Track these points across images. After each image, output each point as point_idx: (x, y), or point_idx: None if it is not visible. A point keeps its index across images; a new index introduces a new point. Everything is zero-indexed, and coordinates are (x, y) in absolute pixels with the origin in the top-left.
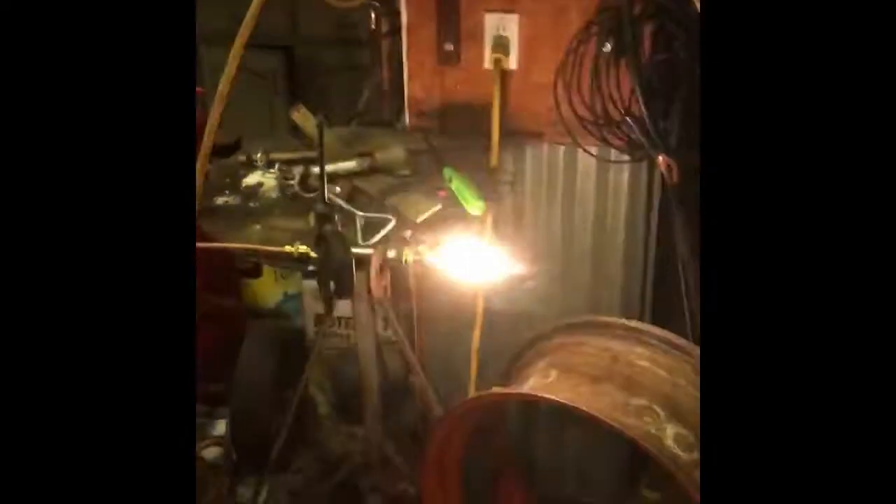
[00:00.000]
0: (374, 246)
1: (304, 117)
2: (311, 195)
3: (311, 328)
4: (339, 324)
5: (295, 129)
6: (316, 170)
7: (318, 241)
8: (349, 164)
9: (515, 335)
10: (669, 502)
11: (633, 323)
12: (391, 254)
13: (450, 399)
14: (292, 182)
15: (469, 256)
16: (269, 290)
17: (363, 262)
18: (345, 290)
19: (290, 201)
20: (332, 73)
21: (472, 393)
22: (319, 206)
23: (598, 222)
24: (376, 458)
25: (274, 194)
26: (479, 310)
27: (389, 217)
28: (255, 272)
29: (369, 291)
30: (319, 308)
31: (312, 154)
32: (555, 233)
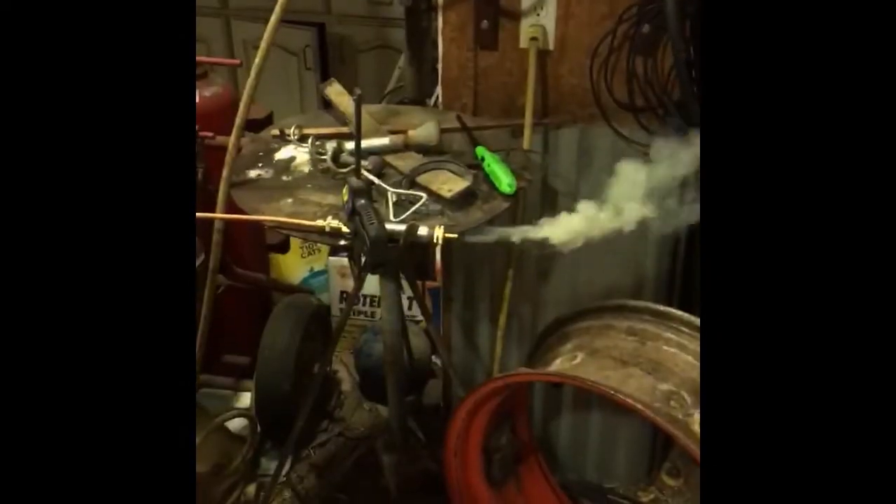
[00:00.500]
0: (405, 222)
1: (337, 93)
2: (345, 171)
3: (336, 305)
4: (365, 301)
5: (327, 105)
6: (349, 145)
7: (352, 215)
8: (382, 141)
9: (541, 318)
10: (690, 489)
11: (662, 307)
12: (422, 231)
13: (474, 380)
14: (325, 157)
15: (496, 236)
16: (295, 265)
17: (395, 237)
18: (378, 264)
19: (323, 176)
20: (363, 50)
21: (496, 374)
22: (353, 182)
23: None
24: (399, 436)
25: (306, 169)
26: (506, 291)
27: (420, 194)
28: (283, 247)
29: (399, 268)
30: (345, 285)
31: (345, 130)
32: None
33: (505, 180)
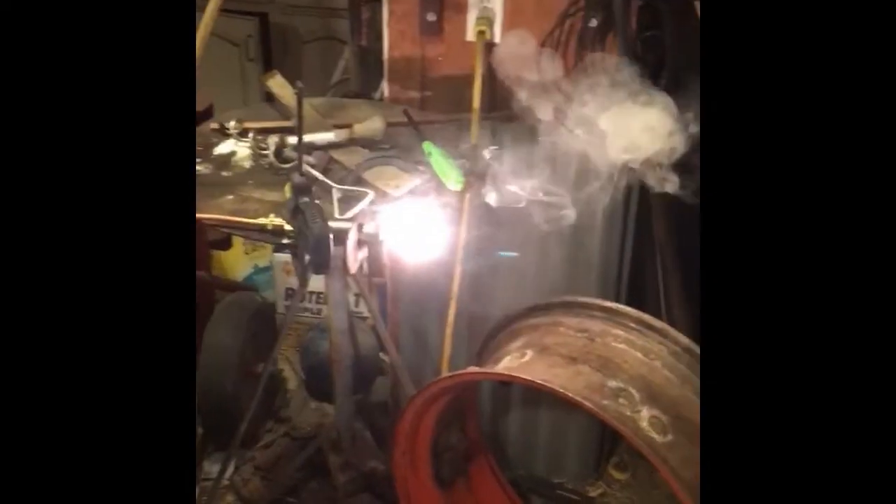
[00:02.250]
0: (350, 220)
1: (279, 85)
2: (287, 166)
3: (281, 302)
4: (310, 298)
5: (269, 98)
6: (292, 140)
7: (294, 213)
8: (326, 136)
9: (490, 315)
10: (637, 482)
11: (610, 304)
12: (368, 228)
13: (422, 377)
14: (267, 152)
15: (444, 232)
16: (238, 262)
17: (340, 236)
18: (322, 264)
19: (265, 172)
20: (308, 41)
21: (444, 373)
22: (296, 178)
23: (576, 203)
24: (347, 435)
25: (247, 164)
26: (454, 288)
27: (367, 190)
28: (225, 244)
29: (345, 266)
30: (290, 282)
31: (288, 124)
32: (532, 212)
33: (452, 176)
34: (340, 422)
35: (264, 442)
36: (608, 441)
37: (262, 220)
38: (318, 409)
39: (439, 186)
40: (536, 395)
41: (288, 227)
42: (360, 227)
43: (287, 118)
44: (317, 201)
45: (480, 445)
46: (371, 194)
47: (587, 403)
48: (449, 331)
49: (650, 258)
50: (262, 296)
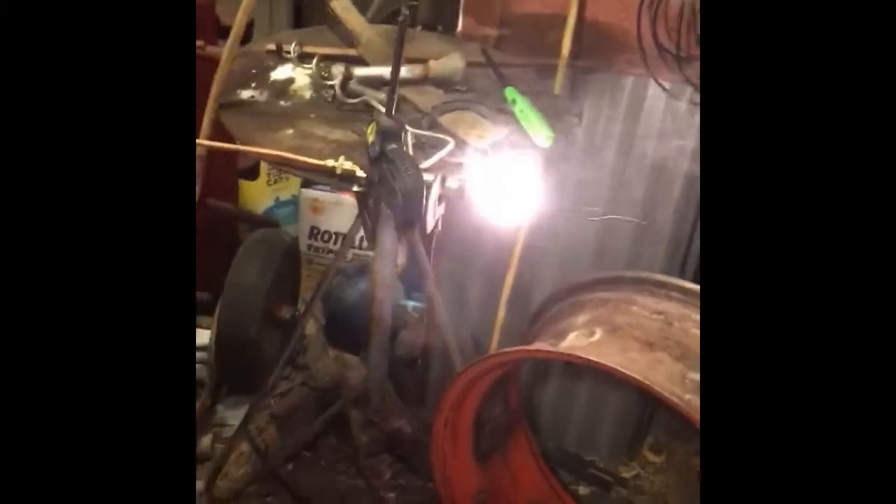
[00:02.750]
0: (431, 171)
1: (344, 8)
2: (354, 101)
3: (305, 240)
4: (333, 238)
5: (298, 23)
6: (360, 72)
7: (378, 160)
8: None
9: (543, 282)
10: (672, 466)
11: (690, 284)
12: (452, 183)
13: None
14: (332, 83)
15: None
16: (261, 193)
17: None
18: (412, 221)
19: (327, 106)
20: None
21: (494, 340)
22: (384, 120)
23: (654, 170)
24: (377, 395)
25: (307, 94)
26: (516, 252)
27: (447, 139)
28: (253, 173)
29: (423, 224)
30: (316, 220)
31: (352, 52)
32: (605, 176)
33: (543, 130)
34: (373, 381)
35: (281, 390)
36: (646, 420)
37: (330, 162)
38: (338, 359)
39: (524, 140)
40: (576, 366)
41: (361, 174)
42: (442, 180)
43: (351, 45)
44: (407, 150)
45: (519, 416)
46: (451, 143)
47: (674, 399)
48: (505, 297)
49: None
50: (289, 234)
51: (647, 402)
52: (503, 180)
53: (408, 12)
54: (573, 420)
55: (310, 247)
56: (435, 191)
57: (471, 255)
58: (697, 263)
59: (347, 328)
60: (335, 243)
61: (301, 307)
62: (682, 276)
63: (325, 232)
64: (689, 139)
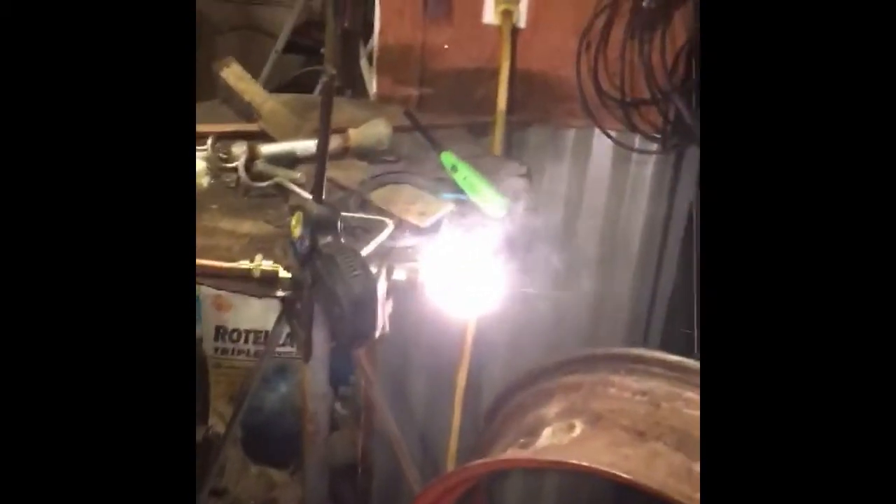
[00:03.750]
0: (371, 260)
1: (237, 76)
2: (263, 184)
3: (210, 342)
4: (245, 337)
5: (226, 95)
6: (266, 149)
7: (309, 259)
8: (310, 144)
9: (495, 369)
10: None
11: (675, 358)
12: (399, 274)
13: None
14: (233, 166)
15: (485, 275)
16: None
17: None
18: (364, 335)
19: (230, 192)
20: (223, 32)
21: (452, 447)
22: (315, 209)
23: (608, 227)
24: None
25: (205, 181)
26: (468, 341)
27: (384, 220)
28: None
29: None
30: (221, 319)
31: (252, 127)
32: (552, 239)
33: (493, 198)
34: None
35: None
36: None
37: (245, 264)
38: (262, 476)
39: (473, 212)
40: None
41: (284, 274)
42: (388, 271)
43: (249, 119)
44: (348, 242)
45: None
46: (390, 224)
47: (684, 500)
48: (459, 394)
49: (689, 302)
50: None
51: (620, 487)
52: (460, 264)
53: (332, 73)
54: None
55: (216, 349)
56: (382, 287)
57: (412, 348)
58: (661, 335)
59: (270, 439)
60: (246, 342)
61: (213, 422)
62: (645, 343)
63: (234, 331)
64: (641, 193)
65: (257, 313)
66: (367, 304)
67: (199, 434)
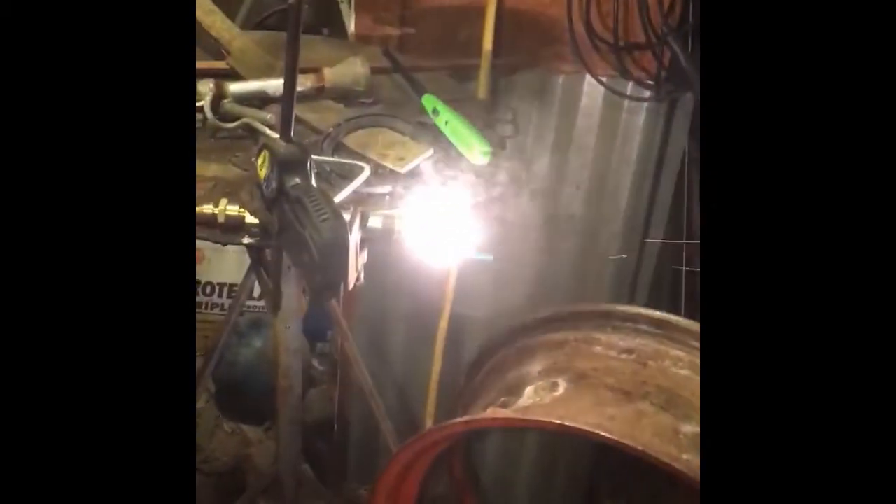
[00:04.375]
0: (346, 207)
1: (207, 10)
2: (232, 125)
3: None
4: (219, 291)
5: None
6: (234, 87)
7: (276, 202)
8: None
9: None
10: None
11: (661, 314)
12: (375, 222)
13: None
14: (199, 104)
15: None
16: None
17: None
18: (334, 284)
19: (198, 133)
20: None
21: (430, 404)
22: (282, 148)
23: (596, 180)
24: (290, 481)
25: None
26: (448, 291)
27: (360, 164)
28: None
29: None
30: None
31: (220, 65)
32: (538, 190)
33: (477, 144)
34: (285, 463)
35: None
36: (605, 467)
37: (209, 208)
38: (235, 434)
39: (452, 157)
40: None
41: (250, 220)
42: (363, 218)
43: (217, 56)
44: (319, 184)
45: (467, 488)
46: (366, 169)
47: (673, 464)
48: (439, 349)
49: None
50: None
51: (601, 445)
52: (439, 211)
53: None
54: (520, 477)
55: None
56: (355, 235)
57: (391, 300)
58: (648, 290)
59: (244, 395)
60: (220, 296)
61: None
62: (631, 298)
63: (207, 284)
64: (632, 143)
65: (231, 266)
66: (337, 251)
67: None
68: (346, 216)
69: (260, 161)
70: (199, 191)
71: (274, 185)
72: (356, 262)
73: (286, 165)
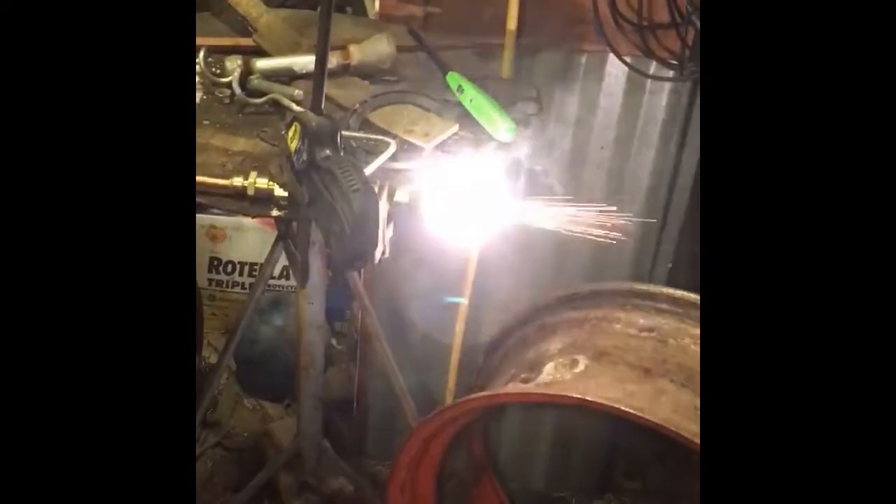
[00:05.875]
0: (373, 181)
1: None
2: (259, 101)
3: (204, 274)
4: (241, 270)
5: (220, 8)
6: (261, 64)
7: (306, 174)
8: (310, 59)
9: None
10: (649, 491)
11: (681, 293)
12: (401, 197)
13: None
14: (227, 80)
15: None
16: None
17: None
18: (364, 255)
19: (224, 109)
20: None
21: (451, 381)
22: (313, 120)
23: (618, 159)
24: (312, 455)
25: (197, 97)
26: (470, 270)
27: (386, 139)
28: None
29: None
30: (216, 249)
31: (247, 42)
32: (559, 167)
33: (501, 121)
34: (307, 437)
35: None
36: (621, 448)
37: (239, 181)
38: (256, 410)
39: (478, 135)
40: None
41: (279, 192)
42: (390, 193)
43: (244, 33)
44: (348, 157)
45: (485, 464)
46: (392, 144)
47: (694, 439)
48: (460, 327)
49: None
50: None
51: (618, 424)
52: (463, 188)
53: None
54: (538, 454)
55: (211, 281)
56: (383, 208)
57: (411, 276)
58: (668, 270)
59: (265, 372)
60: (241, 274)
61: (207, 355)
62: (651, 276)
63: (229, 262)
64: (654, 123)
65: (252, 245)
66: (367, 221)
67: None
68: (375, 189)
69: (290, 134)
70: (228, 165)
71: (305, 157)
72: (383, 235)
73: (317, 137)
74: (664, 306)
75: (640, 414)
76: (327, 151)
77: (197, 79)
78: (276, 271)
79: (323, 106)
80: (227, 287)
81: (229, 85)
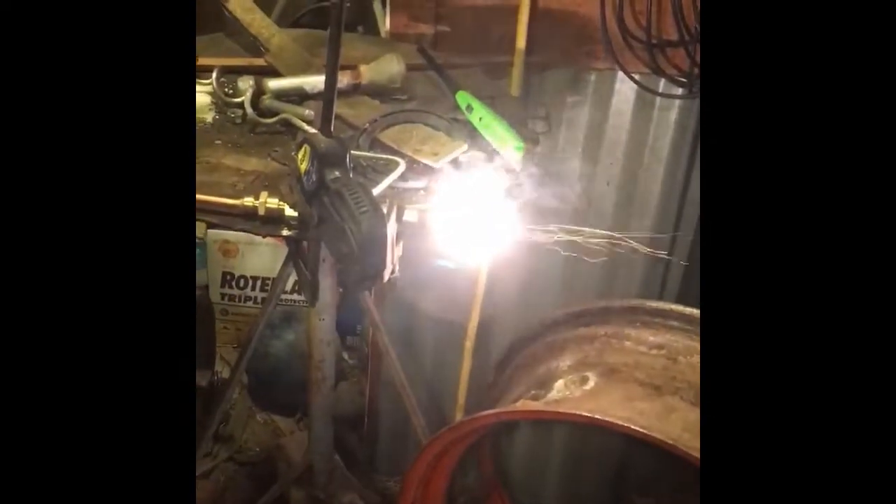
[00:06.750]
0: (382, 201)
1: (245, 8)
2: (271, 121)
3: (217, 288)
4: (253, 284)
5: (232, 28)
6: (274, 84)
7: (316, 195)
8: (320, 79)
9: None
10: None
11: (692, 310)
12: (410, 216)
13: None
14: (239, 101)
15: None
16: None
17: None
18: (374, 275)
19: (236, 129)
20: None
21: (461, 397)
22: (322, 142)
23: (627, 177)
24: (323, 469)
25: (209, 116)
26: (479, 287)
27: (395, 159)
28: None
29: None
30: (228, 265)
31: (259, 62)
32: (569, 185)
33: (510, 140)
34: (318, 453)
35: (203, 469)
36: (633, 464)
37: (250, 201)
38: (268, 424)
39: (489, 154)
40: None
41: (290, 212)
42: (399, 213)
43: (256, 53)
44: (357, 178)
45: (495, 481)
46: (402, 164)
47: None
48: (469, 343)
49: None
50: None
51: (629, 440)
52: (473, 207)
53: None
54: (549, 471)
55: (223, 296)
56: (391, 228)
57: (422, 293)
58: (678, 286)
59: (277, 386)
60: (253, 289)
61: (219, 369)
62: (661, 295)
63: (241, 277)
64: (663, 140)
65: (265, 260)
66: (376, 242)
67: (205, 380)
68: (383, 209)
69: (300, 155)
70: (240, 184)
71: (314, 178)
72: (392, 255)
73: (326, 159)
74: (674, 323)
75: (649, 433)
76: (336, 173)
77: (209, 99)
78: (288, 286)
79: (333, 127)
80: (240, 301)
81: (241, 105)
